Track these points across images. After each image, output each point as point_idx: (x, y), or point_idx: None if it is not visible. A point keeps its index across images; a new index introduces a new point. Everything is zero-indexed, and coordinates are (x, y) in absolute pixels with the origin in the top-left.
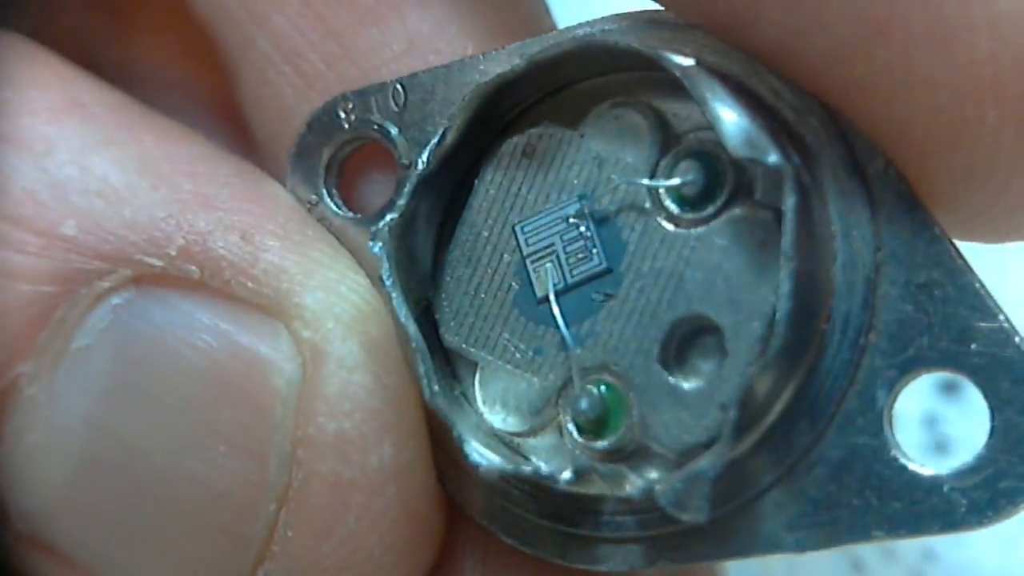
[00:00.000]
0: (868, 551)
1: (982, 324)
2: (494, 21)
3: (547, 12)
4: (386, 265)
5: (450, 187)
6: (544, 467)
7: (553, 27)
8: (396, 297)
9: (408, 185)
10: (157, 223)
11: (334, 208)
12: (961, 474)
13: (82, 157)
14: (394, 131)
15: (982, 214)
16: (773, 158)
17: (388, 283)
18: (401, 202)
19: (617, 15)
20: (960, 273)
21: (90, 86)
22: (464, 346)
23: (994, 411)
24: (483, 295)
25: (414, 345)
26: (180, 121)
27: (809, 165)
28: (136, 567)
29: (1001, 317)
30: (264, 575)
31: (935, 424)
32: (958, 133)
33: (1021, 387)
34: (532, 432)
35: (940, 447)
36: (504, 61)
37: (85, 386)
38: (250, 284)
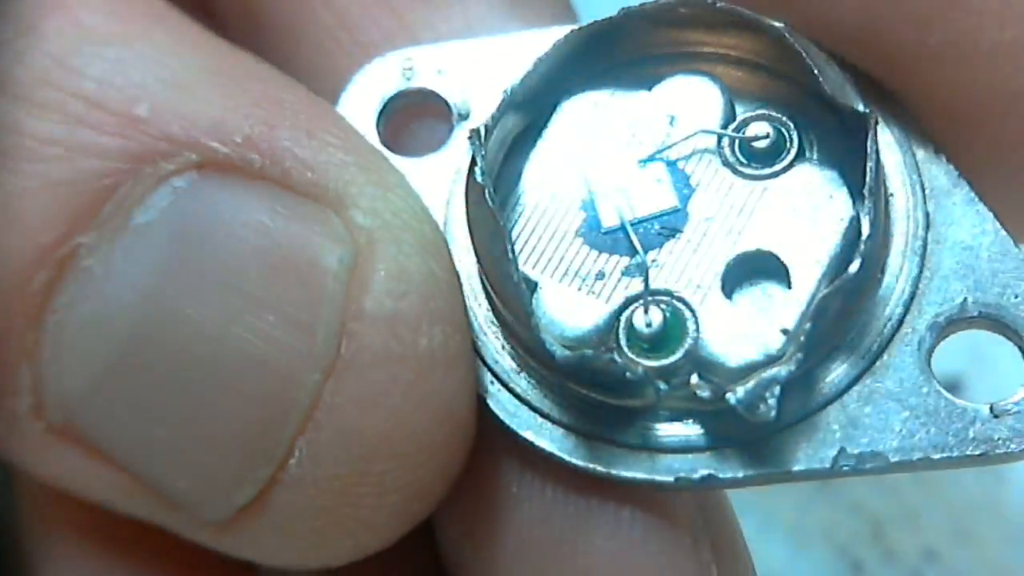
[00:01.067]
0: (868, 552)
1: (1022, 283)
2: (550, 13)
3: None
4: (480, 161)
5: (521, 125)
6: (618, 357)
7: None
8: (488, 189)
9: (498, 104)
10: (225, 113)
11: (383, 149)
12: (1005, 406)
13: (157, 54)
14: (455, 89)
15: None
16: (861, 106)
17: (480, 177)
18: (494, 114)
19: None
20: (1004, 237)
21: (165, 3)
22: (526, 266)
23: None
24: (548, 221)
25: (502, 229)
26: None
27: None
28: (172, 444)
29: None
30: (306, 443)
31: None
32: (1015, 106)
33: None
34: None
35: None
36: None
37: (142, 260)
38: (309, 174)
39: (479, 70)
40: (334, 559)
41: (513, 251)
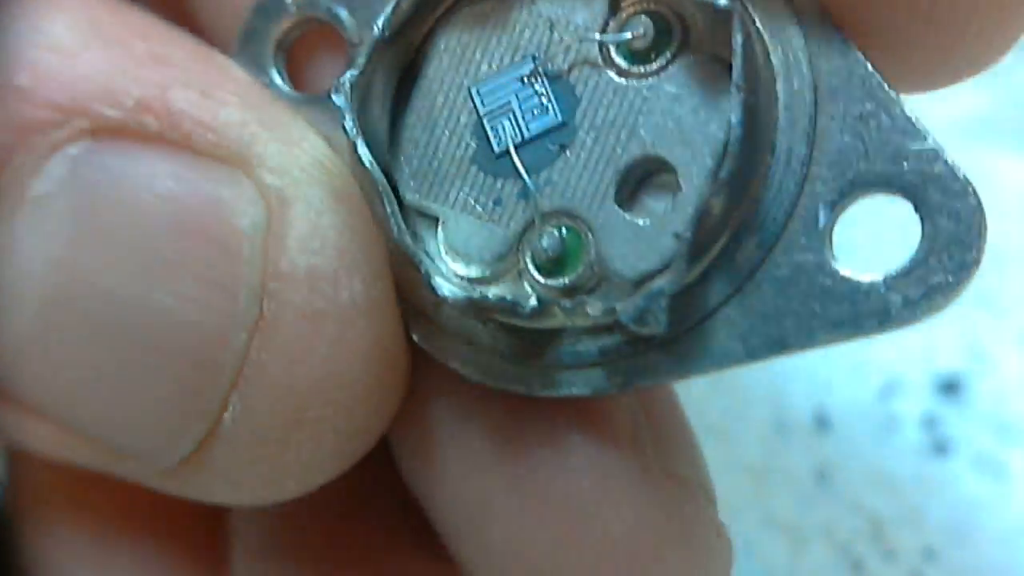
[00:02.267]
0: (868, 551)
1: (913, 146)
2: None
3: None
4: (349, 116)
5: (403, 58)
6: (509, 295)
7: None
8: (360, 144)
9: (366, 47)
10: (112, 77)
11: (285, 89)
12: (896, 276)
13: (33, 18)
14: (343, 12)
15: (912, 54)
16: (723, 1)
17: (352, 132)
18: (360, 60)
19: None
20: (892, 103)
21: None
22: (424, 202)
23: (924, 219)
24: (441, 154)
25: (380, 187)
26: None
27: (753, 7)
28: (106, 405)
29: (930, 139)
30: (239, 398)
31: (935, 425)
32: None
33: (948, 197)
34: (493, 278)
35: (940, 448)
36: None
37: (46, 231)
38: (210, 135)
39: None
40: (281, 497)
41: (392, 204)
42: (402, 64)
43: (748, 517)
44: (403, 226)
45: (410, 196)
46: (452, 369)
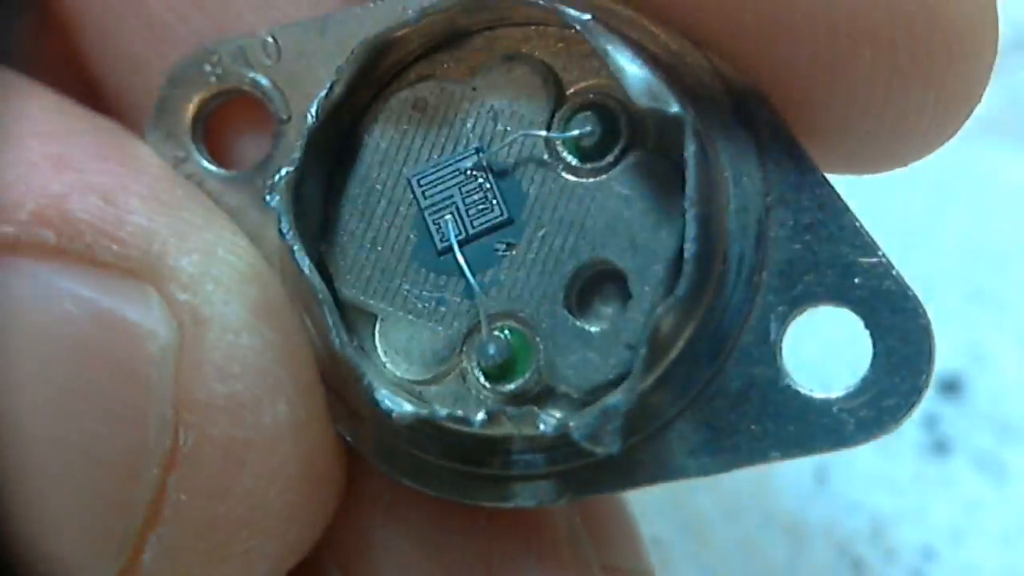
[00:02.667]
0: (868, 551)
1: (863, 260)
2: None
3: None
4: (285, 218)
5: (336, 140)
6: (459, 410)
7: None
8: (297, 249)
9: (301, 139)
10: (4, 188)
11: (204, 164)
12: (848, 396)
13: None
14: (267, 84)
15: (860, 147)
16: (674, 108)
17: (288, 235)
18: (296, 155)
19: None
20: (842, 213)
21: None
22: (363, 298)
23: (875, 339)
24: (380, 247)
25: (320, 296)
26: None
27: (701, 115)
28: (27, 531)
29: (880, 253)
30: (158, 539)
31: (935, 424)
32: (837, 72)
33: (899, 316)
34: (435, 380)
35: (940, 447)
36: (386, 13)
37: None
38: (115, 247)
39: (295, 60)
40: None
41: (335, 314)
42: (333, 147)
43: (748, 517)
44: (346, 338)
45: (346, 291)
46: (386, 472)
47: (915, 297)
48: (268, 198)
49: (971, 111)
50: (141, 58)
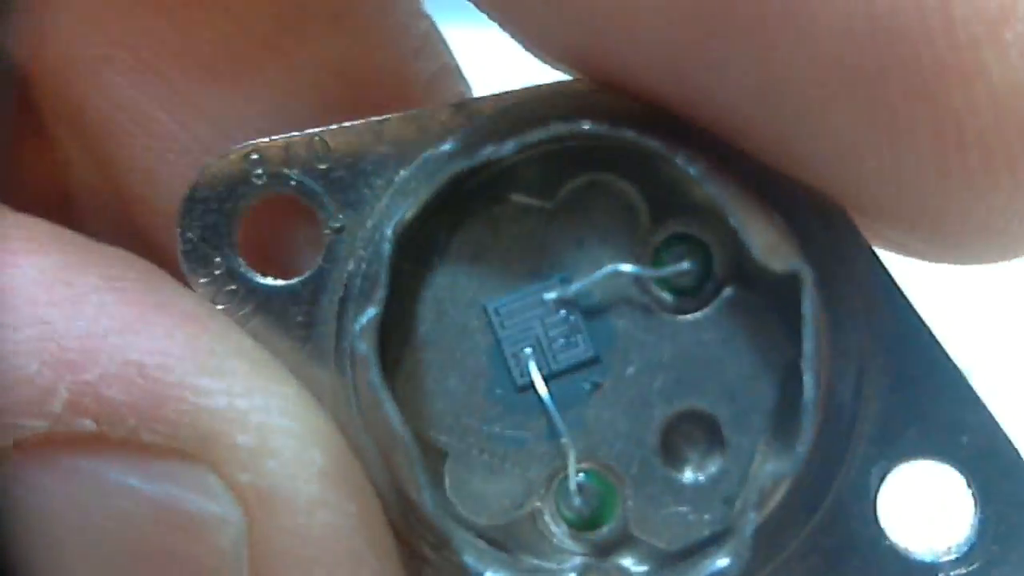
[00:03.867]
0: None
1: (970, 417)
2: (360, 65)
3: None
4: (374, 368)
5: (402, 258)
6: (552, 568)
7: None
8: (387, 401)
9: (383, 274)
10: (31, 378)
11: (246, 274)
12: (956, 562)
13: None
14: (319, 189)
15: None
16: (796, 264)
17: (379, 387)
18: (380, 295)
19: (538, 86)
20: (947, 367)
21: None
22: (433, 434)
23: (984, 503)
24: (452, 380)
25: (410, 452)
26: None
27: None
28: None
29: (988, 410)
30: None
31: None
32: (986, 207)
33: (1008, 480)
34: (505, 526)
35: None
36: (443, 118)
37: None
38: (161, 428)
39: (347, 164)
40: None
41: (425, 475)
42: (399, 265)
43: None
44: (437, 499)
45: (414, 424)
46: None
47: None
48: (357, 344)
49: None
50: (150, 168)
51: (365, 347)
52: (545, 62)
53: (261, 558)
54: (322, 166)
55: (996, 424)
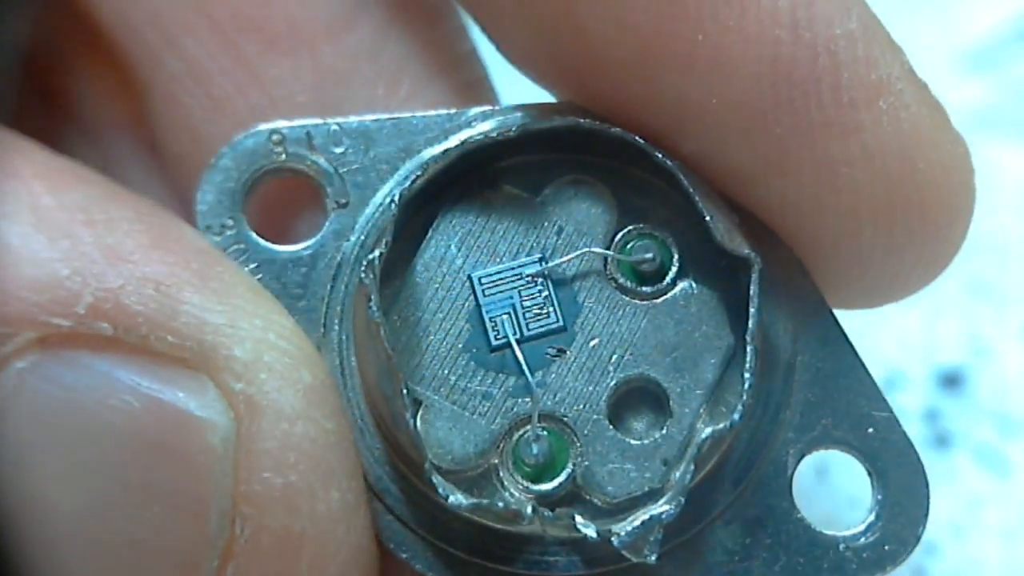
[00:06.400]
0: None
1: (876, 414)
2: (407, 63)
3: (472, 57)
4: (375, 297)
5: (401, 228)
6: (512, 503)
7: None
8: (384, 330)
9: (388, 224)
10: (61, 281)
11: (252, 236)
12: (854, 537)
13: None
14: (330, 169)
15: (859, 293)
16: (747, 250)
17: (377, 315)
18: (387, 239)
19: (528, 105)
20: (859, 370)
21: None
22: (411, 384)
23: (881, 487)
24: (432, 336)
25: (395, 377)
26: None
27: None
28: None
29: (891, 410)
30: None
31: (936, 419)
32: (858, 242)
33: (901, 469)
34: (466, 472)
35: (941, 442)
36: (454, 123)
37: None
38: (170, 338)
39: (360, 153)
40: None
41: (407, 394)
42: (399, 234)
43: None
44: (415, 421)
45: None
46: (418, 570)
47: (918, 458)
48: (363, 275)
49: (952, 257)
50: (199, 128)
51: (370, 279)
52: (514, 64)
53: (245, 458)
54: (338, 149)
55: (896, 421)
